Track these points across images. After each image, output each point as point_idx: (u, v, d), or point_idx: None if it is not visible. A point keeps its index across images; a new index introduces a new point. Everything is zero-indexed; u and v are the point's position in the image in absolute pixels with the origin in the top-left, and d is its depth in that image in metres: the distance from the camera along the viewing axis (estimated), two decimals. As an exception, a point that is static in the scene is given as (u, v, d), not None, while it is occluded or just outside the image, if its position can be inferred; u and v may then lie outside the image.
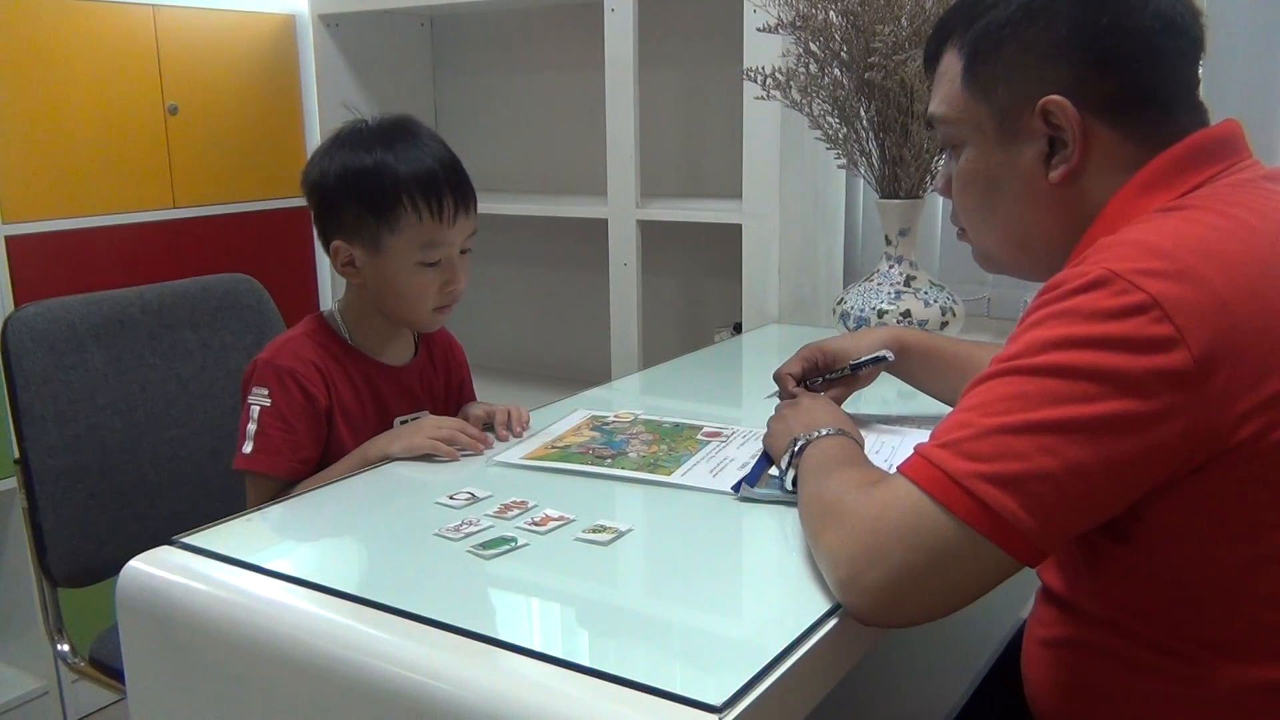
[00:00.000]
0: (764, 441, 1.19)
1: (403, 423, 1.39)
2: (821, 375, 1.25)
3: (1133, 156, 0.87)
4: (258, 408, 1.29)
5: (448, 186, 1.29)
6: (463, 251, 1.34)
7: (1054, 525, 0.77)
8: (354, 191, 1.28)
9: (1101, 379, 0.75)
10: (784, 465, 1.06)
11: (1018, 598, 1.05)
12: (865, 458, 1.02)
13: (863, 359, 1.23)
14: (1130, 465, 0.76)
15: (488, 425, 1.34)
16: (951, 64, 0.95)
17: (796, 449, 1.04)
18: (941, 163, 1.02)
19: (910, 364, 1.27)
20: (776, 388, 1.29)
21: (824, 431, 1.04)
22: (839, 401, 1.28)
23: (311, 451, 1.31)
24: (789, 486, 1.04)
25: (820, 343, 1.27)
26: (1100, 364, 0.75)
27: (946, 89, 0.95)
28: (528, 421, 1.36)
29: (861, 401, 1.37)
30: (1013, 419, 0.77)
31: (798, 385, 1.25)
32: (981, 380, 0.81)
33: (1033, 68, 0.88)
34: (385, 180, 1.27)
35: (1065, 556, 0.91)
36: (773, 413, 1.20)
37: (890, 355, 1.23)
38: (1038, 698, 0.97)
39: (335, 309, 1.40)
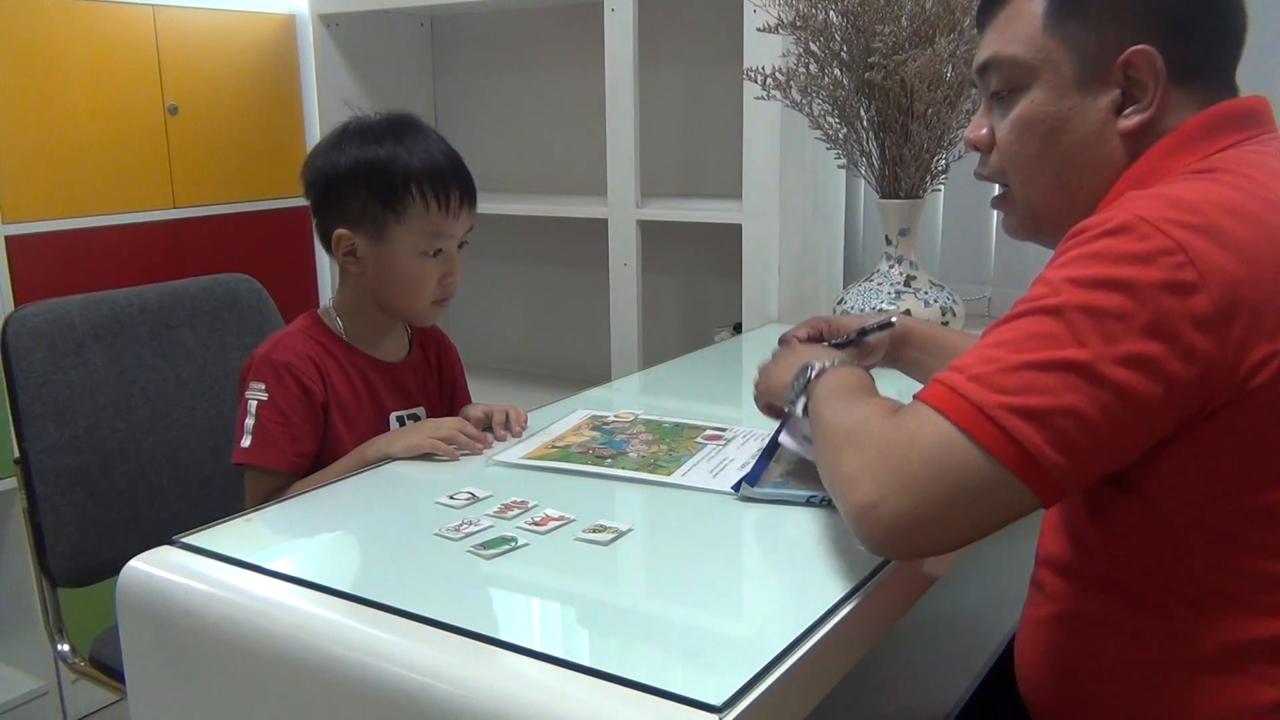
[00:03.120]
0: (759, 383, 1.18)
1: (398, 419, 1.40)
2: (826, 341, 1.24)
3: (1188, 116, 0.90)
4: (255, 402, 1.30)
5: (454, 180, 1.32)
6: (460, 245, 1.37)
7: (1077, 463, 0.78)
8: (364, 181, 1.31)
9: (1125, 319, 0.76)
10: (795, 392, 1.04)
11: (1019, 597, 1.05)
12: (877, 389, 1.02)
13: (869, 325, 1.22)
14: (1151, 405, 0.77)
15: (486, 425, 1.35)
16: (1026, 5, 0.94)
17: (812, 374, 1.02)
18: (980, 112, 1.02)
19: (912, 353, 1.27)
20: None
21: (835, 361, 1.04)
22: None
23: (309, 445, 1.32)
24: (799, 413, 1.02)
25: (828, 316, 1.28)
26: (1124, 305, 0.77)
27: (1021, 29, 0.94)
28: (525, 421, 1.36)
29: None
30: (1040, 355, 0.78)
31: None
32: (1006, 320, 0.83)
33: (1124, 19, 0.89)
34: (396, 170, 1.30)
35: (1068, 516, 0.93)
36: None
37: (895, 321, 1.22)
38: (1026, 678, 0.99)
39: (330, 305, 1.41)
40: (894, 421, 0.84)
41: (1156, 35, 0.89)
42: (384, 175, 1.30)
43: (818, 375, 1.02)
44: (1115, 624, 0.88)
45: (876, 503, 0.81)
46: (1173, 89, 0.89)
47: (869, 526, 0.82)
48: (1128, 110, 0.91)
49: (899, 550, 0.84)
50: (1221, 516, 0.81)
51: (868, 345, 1.24)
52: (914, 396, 0.84)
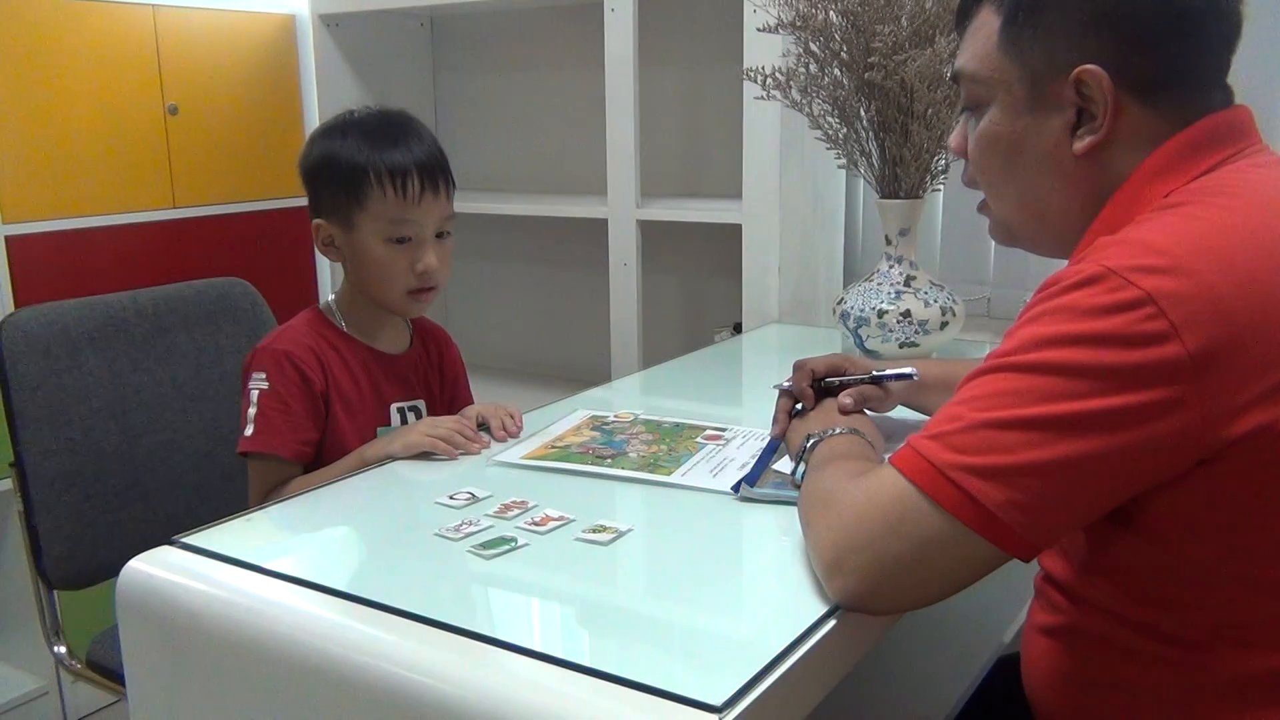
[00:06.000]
0: (784, 441, 1.21)
1: (399, 410, 1.42)
2: (839, 379, 1.24)
3: (1159, 134, 0.86)
4: (256, 392, 1.32)
5: (415, 167, 1.34)
6: (441, 235, 1.38)
7: (1044, 519, 0.78)
8: (330, 171, 1.35)
9: (1093, 376, 0.75)
10: (796, 461, 1.07)
11: (1019, 597, 1.05)
12: (872, 454, 1.03)
13: (886, 373, 1.22)
14: (1122, 461, 0.76)
15: (483, 426, 1.35)
16: (988, 20, 0.92)
17: (808, 445, 1.06)
18: (959, 120, 1.01)
19: (930, 400, 1.25)
20: (781, 381, 1.28)
21: (837, 430, 1.07)
22: (853, 410, 1.26)
23: (312, 433, 1.33)
24: (798, 480, 1.05)
25: (852, 356, 1.27)
26: (1092, 361, 0.75)
27: (980, 45, 0.93)
28: (522, 422, 1.36)
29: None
30: (1003, 414, 0.78)
31: (814, 382, 1.23)
32: (976, 375, 0.82)
33: (1073, 35, 0.86)
34: (358, 159, 1.33)
35: (1070, 544, 0.92)
36: (775, 404, 1.24)
37: (915, 373, 1.21)
38: (1036, 686, 0.97)
39: (331, 301, 1.44)
40: (858, 483, 0.86)
41: (1111, 52, 0.85)
42: (347, 164, 1.34)
43: (812, 446, 1.05)
44: (1125, 646, 0.86)
45: (838, 560, 0.84)
46: (1136, 107, 0.86)
47: (836, 585, 0.84)
48: (1080, 131, 0.88)
49: (868, 605, 0.84)
50: (1228, 555, 0.79)
51: (885, 388, 1.23)
52: (888, 459, 0.85)
